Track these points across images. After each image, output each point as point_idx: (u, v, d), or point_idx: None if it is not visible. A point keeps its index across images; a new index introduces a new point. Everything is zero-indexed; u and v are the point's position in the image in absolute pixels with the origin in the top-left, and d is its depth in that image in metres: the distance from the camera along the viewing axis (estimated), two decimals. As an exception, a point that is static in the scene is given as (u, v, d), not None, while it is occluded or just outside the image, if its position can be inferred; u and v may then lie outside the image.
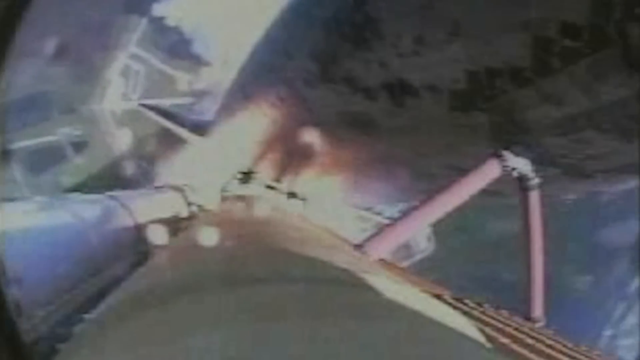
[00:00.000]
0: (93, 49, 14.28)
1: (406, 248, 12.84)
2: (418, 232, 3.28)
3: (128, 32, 14.23)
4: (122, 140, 14.58)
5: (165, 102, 14.39)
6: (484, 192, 3.35)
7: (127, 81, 14.73)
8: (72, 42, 13.75)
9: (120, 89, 14.64)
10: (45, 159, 14.81)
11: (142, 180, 13.65)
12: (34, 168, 14.69)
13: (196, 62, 14.74)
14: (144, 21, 14.11)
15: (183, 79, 14.62)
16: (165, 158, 13.95)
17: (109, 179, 14.14)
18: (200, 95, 14.75)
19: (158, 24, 14.37)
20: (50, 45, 13.58)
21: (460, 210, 3.19)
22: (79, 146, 14.78)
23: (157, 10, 14.06)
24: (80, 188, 13.46)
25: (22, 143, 14.33)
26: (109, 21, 14.05)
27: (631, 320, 13.02)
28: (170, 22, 14.38)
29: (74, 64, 14.25)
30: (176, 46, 14.66)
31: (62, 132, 14.66)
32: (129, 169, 14.23)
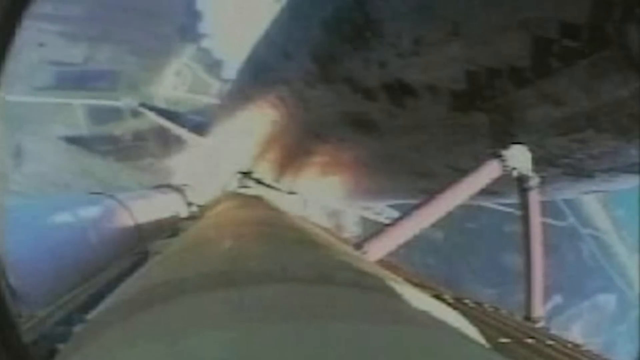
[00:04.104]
0: (159, 52, 23.27)
1: (337, 227, 17.35)
2: (416, 231, 3.28)
3: (184, 49, 23.94)
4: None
5: (201, 98, 23.20)
6: (484, 192, 3.35)
7: (178, 79, 23.76)
8: (143, 43, 22.63)
9: (172, 83, 23.64)
10: (106, 115, 22.56)
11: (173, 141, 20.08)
12: (96, 119, 22.47)
13: (224, 79, 22.80)
14: (194, 47, 24.15)
15: (215, 86, 23.52)
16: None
17: (153, 136, 21.82)
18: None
19: (204, 51, 24.24)
20: (126, 40, 22.28)
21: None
22: (135, 113, 21.75)
23: (205, 43, 24.28)
24: (127, 136, 22.67)
25: (92, 101, 22.25)
26: (170, 39, 23.53)
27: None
28: (212, 51, 24.24)
29: (142, 57, 22.91)
30: (213, 66, 24.10)
31: (125, 101, 22.14)
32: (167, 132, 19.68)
